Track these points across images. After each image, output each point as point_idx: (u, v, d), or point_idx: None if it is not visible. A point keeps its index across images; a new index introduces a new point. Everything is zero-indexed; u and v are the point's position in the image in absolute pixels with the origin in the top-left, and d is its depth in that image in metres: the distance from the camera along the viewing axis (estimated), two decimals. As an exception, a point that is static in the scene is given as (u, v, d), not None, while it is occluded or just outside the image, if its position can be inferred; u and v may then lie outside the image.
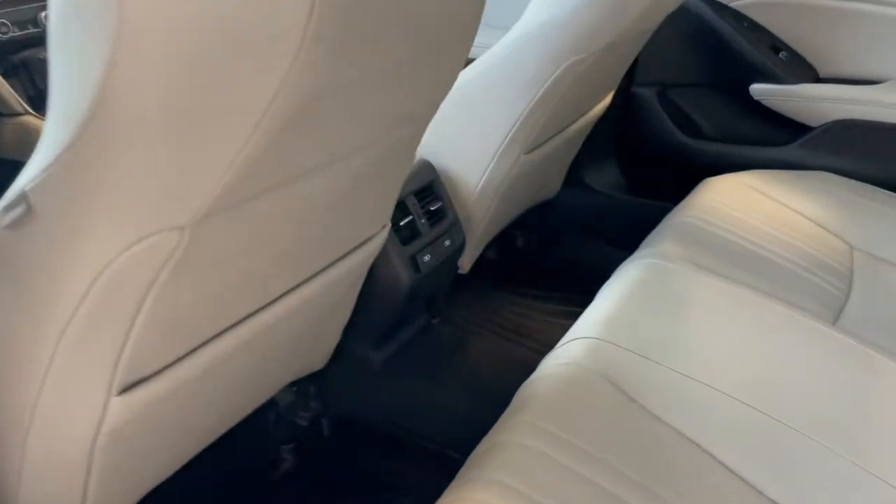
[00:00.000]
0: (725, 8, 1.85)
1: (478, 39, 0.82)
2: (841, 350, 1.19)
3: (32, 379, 0.67)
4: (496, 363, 1.61)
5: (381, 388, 1.47)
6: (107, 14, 0.45)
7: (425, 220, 1.39)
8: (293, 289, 0.94)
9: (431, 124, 1.47)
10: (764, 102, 1.85)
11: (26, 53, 1.32)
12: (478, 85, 1.42)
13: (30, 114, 1.27)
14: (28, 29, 1.31)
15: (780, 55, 1.80)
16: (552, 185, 1.88)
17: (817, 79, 1.83)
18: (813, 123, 1.82)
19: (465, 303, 1.83)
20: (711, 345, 1.18)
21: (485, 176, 1.47)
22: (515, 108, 1.40)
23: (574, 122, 1.63)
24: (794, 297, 1.31)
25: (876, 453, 1.01)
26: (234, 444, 1.35)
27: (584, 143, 1.87)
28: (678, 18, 1.75)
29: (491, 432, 0.99)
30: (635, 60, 1.95)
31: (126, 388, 0.73)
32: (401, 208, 1.36)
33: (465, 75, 1.43)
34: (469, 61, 1.40)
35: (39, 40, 1.33)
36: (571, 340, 1.14)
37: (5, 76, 1.26)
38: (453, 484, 0.88)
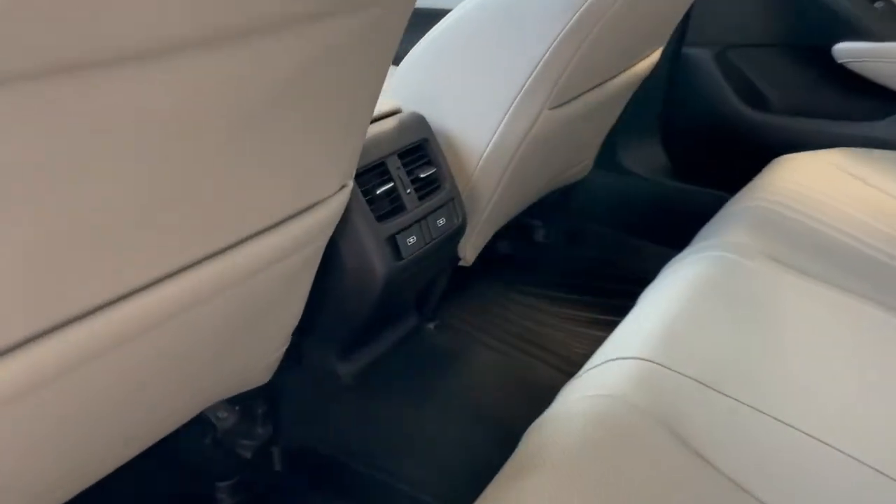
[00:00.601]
0: (804, -52, 1.49)
1: None
2: None
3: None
4: (504, 385, 1.25)
5: (349, 411, 1.12)
6: None
7: (412, 191, 1.04)
8: (196, 263, 0.62)
9: (426, 66, 1.12)
10: (850, 66, 1.48)
11: None
12: (487, 16, 1.08)
13: None
14: None
15: (876, 4, 1.42)
16: (582, 160, 1.52)
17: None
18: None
19: (468, 304, 1.48)
20: (808, 371, 0.81)
21: (496, 135, 1.12)
22: (536, 47, 1.05)
23: (612, 77, 1.28)
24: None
25: None
26: (151, 477, 1.02)
27: (621, 116, 1.51)
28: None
29: (491, 486, 0.66)
30: (687, 14, 1.59)
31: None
32: (379, 172, 1.01)
33: (470, 2, 1.08)
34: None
35: None
36: (605, 362, 0.79)
37: None
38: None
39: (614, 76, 1.28)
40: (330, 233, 0.83)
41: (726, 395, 0.78)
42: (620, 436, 0.69)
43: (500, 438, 0.84)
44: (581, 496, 0.61)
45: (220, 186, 0.58)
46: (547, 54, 1.04)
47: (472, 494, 0.66)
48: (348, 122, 0.72)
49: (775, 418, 0.76)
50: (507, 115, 1.11)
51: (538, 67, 1.05)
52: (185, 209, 0.56)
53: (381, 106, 1.09)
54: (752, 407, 0.76)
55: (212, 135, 0.52)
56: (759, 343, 0.82)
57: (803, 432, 0.75)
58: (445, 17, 1.11)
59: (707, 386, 0.78)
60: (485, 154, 1.15)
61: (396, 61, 1.24)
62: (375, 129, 1.03)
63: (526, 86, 1.07)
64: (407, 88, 1.16)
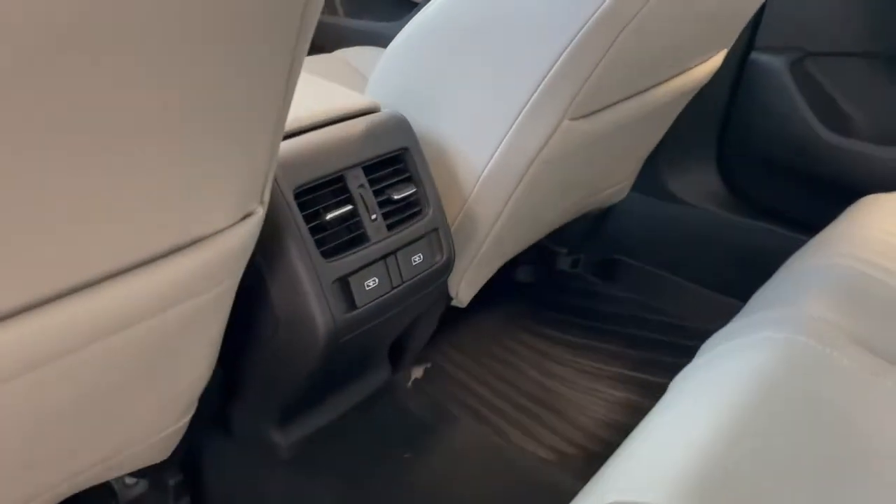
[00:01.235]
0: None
1: None
2: None
3: None
4: (486, 475, 0.98)
5: (283, 491, 0.87)
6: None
7: (378, 217, 0.79)
8: (48, 302, 0.46)
9: (415, 56, 0.87)
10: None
11: None
12: (492, 3, 0.82)
13: None
14: None
15: None
16: (618, 181, 1.25)
17: None
18: None
19: (465, 345, 1.23)
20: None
21: (500, 148, 0.86)
22: (554, 43, 0.78)
23: (658, 84, 1.00)
24: None
25: None
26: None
27: (671, 130, 1.23)
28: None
29: None
30: (759, 12, 1.30)
31: None
32: (333, 190, 0.76)
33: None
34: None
35: None
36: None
37: None
38: None
39: (661, 83, 1.00)
40: (236, 274, 0.59)
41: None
42: None
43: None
44: None
45: (73, 209, 0.41)
46: (567, 52, 0.78)
47: None
48: (247, 128, 0.48)
49: None
50: (516, 125, 0.84)
51: (555, 68, 0.79)
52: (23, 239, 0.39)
53: (352, 101, 0.84)
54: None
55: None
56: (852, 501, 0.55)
57: None
58: (443, -6, 0.85)
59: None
60: (485, 172, 0.88)
61: (384, 44, 0.99)
62: (334, 131, 0.78)
63: (540, 89, 0.81)
64: (389, 82, 0.90)
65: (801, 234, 1.26)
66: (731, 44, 1.16)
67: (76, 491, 0.69)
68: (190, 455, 0.87)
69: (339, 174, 0.76)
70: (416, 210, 0.84)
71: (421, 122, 0.88)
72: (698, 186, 1.38)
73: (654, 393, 1.25)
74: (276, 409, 0.84)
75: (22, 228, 0.40)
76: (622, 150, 1.11)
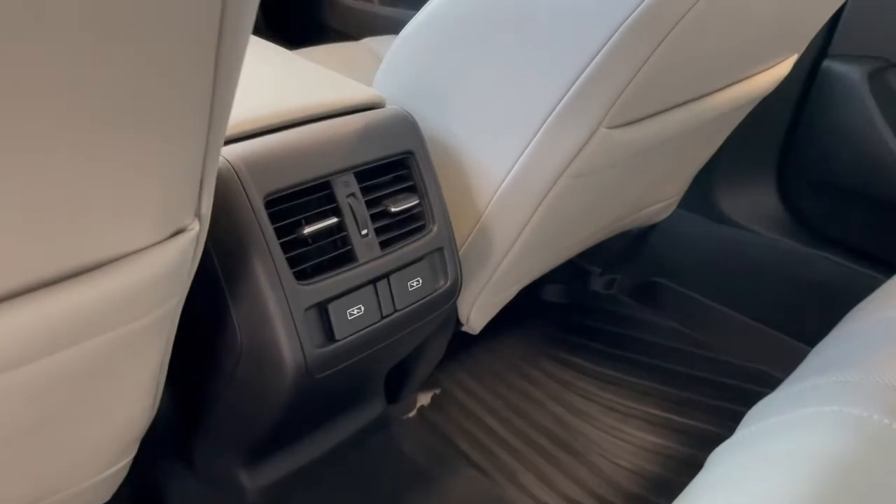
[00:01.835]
0: None
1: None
2: None
3: None
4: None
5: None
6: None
7: (370, 232, 0.66)
8: None
9: (429, 47, 0.75)
10: None
11: None
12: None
13: None
14: None
15: None
16: (663, 198, 1.11)
17: None
18: None
19: (478, 370, 1.10)
20: None
21: (522, 157, 0.73)
22: (591, 37, 0.65)
23: (712, 93, 0.86)
24: None
25: None
26: None
27: (727, 143, 1.08)
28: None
29: None
30: (837, 14, 1.15)
31: None
32: (317, 199, 0.64)
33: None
34: None
35: None
36: None
37: None
38: None
39: (717, 90, 0.86)
40: (169, 300, 0.48)
41: None
42: None
43: None
44: None
45: None
46: (606, 48, 0.65)
47: None
48: (165, 134, 0.36)
49: None
50: (543, 130, 0.71)
51: (592, 66, 0.66)
52: None
53: (350, 94, 0.72)
54: None
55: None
56: None
57: None
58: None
59: None
60: (504, 183, 0.76)
61: (396, 31, 0.87)
62: (322, 129, 0.66)
63: (572, 91, 0.68)
64: (398, 74, 0.78)
65: (872, 271, 1.10)
66: (802, 49, 1.01)
67: None
68: (151, 491, 0.77)
69: (325, 180, 0.64)
70: (417, 225, 0.71)
71: (431, 123, 0.75)
72: (755, 208, 1.23)
73: (688, 441, 1.12)
74: (243, 448, 0.73)
75: None
76: (669, 164, 0.97)
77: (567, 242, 0.95)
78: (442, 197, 0.73)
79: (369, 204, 0.67)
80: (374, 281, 0.66)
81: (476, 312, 0.87)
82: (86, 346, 0.46)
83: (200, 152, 0.41)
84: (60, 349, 0.44)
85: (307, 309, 0.62)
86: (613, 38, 0.64)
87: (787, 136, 1.22)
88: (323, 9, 1.78)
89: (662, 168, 0.97)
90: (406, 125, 0.71)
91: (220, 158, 0.59)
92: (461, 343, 1.02)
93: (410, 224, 0.71)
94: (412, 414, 1.06)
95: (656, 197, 1.10)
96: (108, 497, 0.64)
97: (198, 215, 0.45)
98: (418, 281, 0.70)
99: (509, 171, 0.75)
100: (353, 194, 0.65)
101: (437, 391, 1.11)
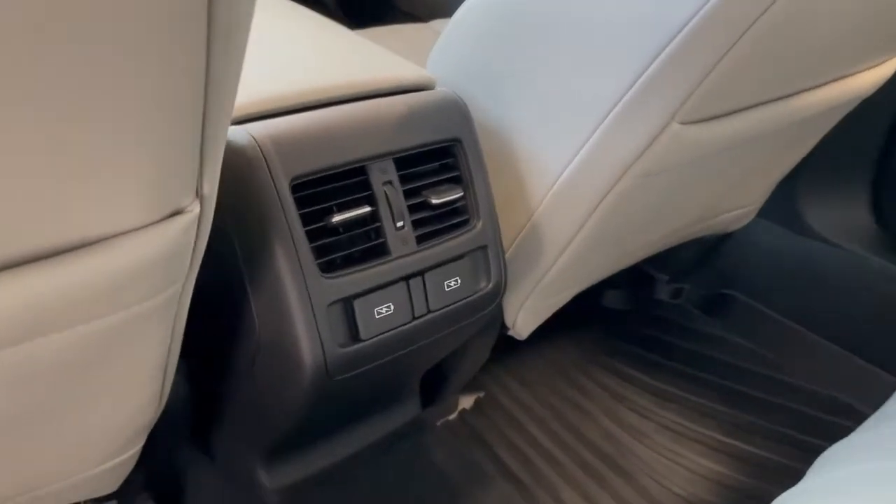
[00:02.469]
0: None
1: None
2: None
3: None
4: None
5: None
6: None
7: (407, 224, 0.61)
8: None
9: (481, 28, 0.69)
10: None
11: None
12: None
13: None
14: None
15: None
16: (741, 204, 1.02)
17: None
18: None
19: (526, 375, 1.03)
20: None
21: (582, 152, 0.67)
22: (665, 22, 0.58)
23: (806, 89, 0.76)
24: None
25: None
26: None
27: (817, 149, 0.98)
28: None
29: None
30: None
31: None
32: (349, 185, 0.59)
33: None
34: None
35: None
36: None
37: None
38: None
39: (808, 89, 0.76)
40: (167, 287, 0.44)
41: None
42: None
43: None
44: None
45: None
46: (681, 36, 0.57)
47: None
48: (158, 89, 0.31)
49: None
50: (607, 122, 0.64)
51: (664, 54, 0.58)
52: None
53: (400, 73, 0.66)
54: None
55: None
56: None
57: None
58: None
59: None
60: (561, 179, 0.69)
61: (448, 13, 0.81)
62: (361, 109, 0.60)
63: (642, 80, 0.60)
64: (451, 54, 0.72)
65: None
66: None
67: None
68: (169, 481, 0.74)
69: (360, 165, 0.58)
70: (459, 220, 0.65)
71: (484, 109, 0.69)
72: (844, 222, 1.12)
73: (750, 471, 1.02)
74: (263, 445, 0.69)
75: None
76: (749, 167, 0.88)
77: (629, 247, 0.88)
78: (489, 190, 0.67)
79: (408, 194, 0.61)
80: (407, 278, 0.61)
81: (523, 317, 0.81)
82: (79, 331, 0.42)
83: (196, 125, 0.36)
84: (48, 332, 0.41)
85: (331, 304, 0.57)
86: (690, 24, 0.57)
87: (885, 145, 1.11)
88: (393, -10, 1.74)
89: (742, 172, 0.88)
90: (455, 110, 0.65)
91: (246, 135, 0.54)
92: (509, 345, 0.96)
93: (452, 218, 0.65)
94: (453, 417, 1.01)
95: (734, 203, 1.00)
96: (115, 487, 0.61)
97: (199, 196, 0.41)
98: (456, 281, 0.64)
99: (567, 165, 0.68)
100: (389, 182, 0.60)
101: (481, 395, 1.06)
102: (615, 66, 0.62)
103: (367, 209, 0.59)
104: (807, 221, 1.12)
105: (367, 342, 0.59)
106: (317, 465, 0.72)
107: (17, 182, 0.32)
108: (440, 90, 0.66)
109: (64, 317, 0.41)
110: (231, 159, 0.54)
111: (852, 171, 1.13)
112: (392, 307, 0.60)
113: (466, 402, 1.04)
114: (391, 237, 0.60)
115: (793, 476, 0.58)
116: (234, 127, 0.55)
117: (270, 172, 0.54)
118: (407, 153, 0.61)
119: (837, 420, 1.04)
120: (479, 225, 0.66)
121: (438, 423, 0.99)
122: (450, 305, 0.64)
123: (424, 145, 0.63)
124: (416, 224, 0.62)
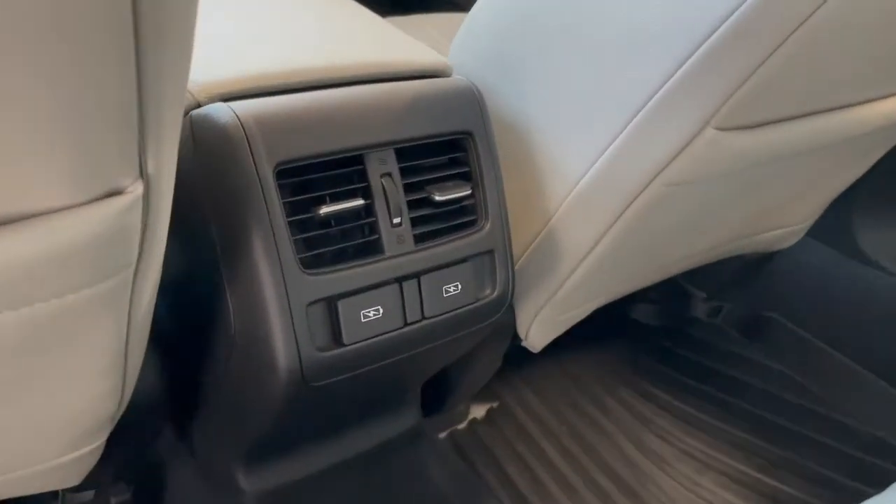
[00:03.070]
0: None
1: None
2: None
3: None
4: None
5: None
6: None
7: (404, 221, 0.56)
8: None
9: (505, 16, 0.63)
10: None
11: None
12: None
13: None
14: None
15: None
16: (788, 222, 0.94)
17: None
18: None
19: (544, 387, 0.97)
20: None
21: (606, 154, 0.60)
22: (698, 22, 0.51)
23: (864, 102, 0.69)
24: None
25: None
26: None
27: (874, 169, 0.90)
28: None
29: None
30: None
31: None
32: (344, 175, 0.54)
33: None
34: None
35: None
36: None
37: None
38: None
39: (865, 101, 0.69)
40: (109, 274, 0.39)
41: None
42: None
43: None
44: None
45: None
46: (716, 36, 0.51)
47: None
48: (69, 47, 0.27)
49: None
50: (634, 124, 0.58)
51: (701, 51, 0.52)
52: None
53: (413, 57, 0.61)
54: None
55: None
56: None
57: None
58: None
59: None
60: (581, 183, 0.63)
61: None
62: (363, 92, 0.55)
63: (675, 78, 0.54)
64: (472, 42, 0.66)
65: None
66: None
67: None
68: (147, 474, 0.70)
69: (357, 153, 0.54)
70: (465, 220, 0.60)
71: (503, 101, 0.64)
72: (902, 247, 1.03)
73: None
74: (242, 446, 0.65)
75: None
76: (797, 183, 0.80)
77: (662, 261, 0.81)
78: (502, 190, 0.61)
79: (409, 188, 0.56)
80: (400, 280, 0.56)
81: (536, 330, 0.75)
82: (7, 316, 0.38)
83: (129, 94, 0.31)
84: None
85: (311, 303, 0.52)
86: (730, 20, 0.50)
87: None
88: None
89: (789, 187, 0.80)
90: (469, 100, 0.60)
91: (229, 113, 0.50)
92: (527, 353, 0.91)
93: (457, 217, 0.59)
94: (462, 426, 0.95)
95: (780, 221, 0.93)
96: (76, 481, 0.57)
97: (143, 176, 0.36)
98: (456, 286, 0.58)
99: (589, 168, 0.62)
100: (388, 174, 0.55)
101: (494, 404, 1.00)
102: (646, 63, 0.55)
103: (360, 202, 0.54)
104: (860, 245, 1.03)
105: (349, 347, 0.54)
106: (299, 472, 0.67)
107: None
108: (455, 78, 0.61)
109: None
110: (211, 138, 0.50)
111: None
112: (381, 310, 0.55)
113: (478, 411, 0.98)
114: (386, 234, 0.55)
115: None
116: (217, 104, 0.50)
117: (252, 155, 0.49)
118: (411, 143, 0.56)
119: (877, 461, 0.95)
120: (487, 227, 0.60)
121: (446, 433, 0.94)
122: (447, 313, 0.58)
123: (431, 136, 0.57)
124: (416, 222, 0.57)
